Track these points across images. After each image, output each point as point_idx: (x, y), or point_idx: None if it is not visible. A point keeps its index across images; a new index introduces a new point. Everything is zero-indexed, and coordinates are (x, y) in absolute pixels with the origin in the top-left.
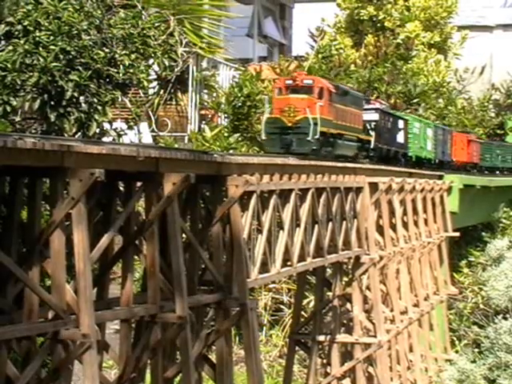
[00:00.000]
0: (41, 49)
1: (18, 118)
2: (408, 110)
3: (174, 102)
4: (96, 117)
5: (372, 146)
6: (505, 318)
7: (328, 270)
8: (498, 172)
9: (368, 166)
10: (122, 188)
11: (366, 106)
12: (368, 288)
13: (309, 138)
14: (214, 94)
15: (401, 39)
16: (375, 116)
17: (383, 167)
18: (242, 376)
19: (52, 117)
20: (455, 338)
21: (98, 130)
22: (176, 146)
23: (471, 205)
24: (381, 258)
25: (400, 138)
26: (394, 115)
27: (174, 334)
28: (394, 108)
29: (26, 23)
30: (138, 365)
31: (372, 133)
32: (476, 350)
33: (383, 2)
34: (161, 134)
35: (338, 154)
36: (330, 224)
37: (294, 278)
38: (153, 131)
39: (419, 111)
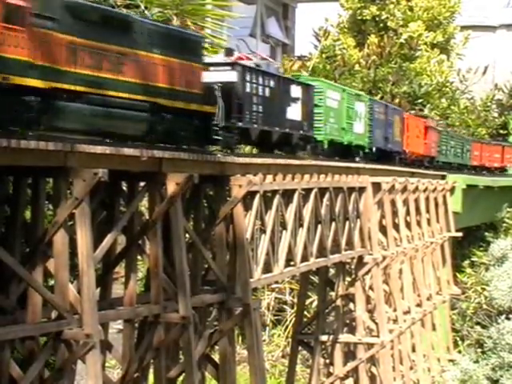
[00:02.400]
0: None
1: None
2: (413, 111)
3: None
4: None
5: (220, 124)
6: (508, 318)
7: (331, 270)
8: (449, 169)
9: (371, 166)
10: (125, 188)
11: (218, 60)
12: (371, 288)
13: None
14: None
15: (404, 39)
16: (230, 76)
17: (386, 167)
18: (244, 376)
19: None
20: (458, 338)
21: None
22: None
23: (474, 205)
24: (384, 258)
25: (294, 113)
26: (280, 77)
27: (177, 334)
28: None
29: None
30: (141, 365)
31: (220, 102)
32: (479, 350)
33: (386, 2)
34: None
35: (58, 126)
36: (333, 224)
37: (296, 278)
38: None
39: (425, 111)
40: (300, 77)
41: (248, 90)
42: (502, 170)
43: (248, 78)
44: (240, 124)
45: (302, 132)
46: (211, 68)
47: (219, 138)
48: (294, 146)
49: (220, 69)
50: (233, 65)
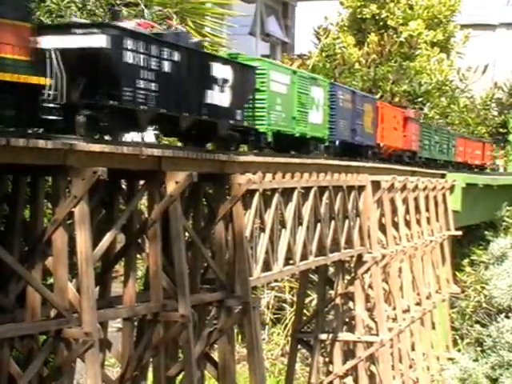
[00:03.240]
0: None
1: None
2: (412, 110)
3: None
4: None
5: (58, 100)
6: (507, 317)
7: (330, 268)
8: (434, 166)
9: (371, 165)
10: (124, 187)
11: (81, 21)
12: (370, 286)
13: None
14: None
15: (404, 38)
16: (97, 40)
17: (386, 166)
18: (244, 374)
19: None
20: (457, 337)
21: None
22: (179, 144)
23: (474, 203)
24: (383, 256)
25: (219, 97)
26: (192, 51)
27: (176, 332)
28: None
29: None
30: (141, 363)
31: (58, 71)
32: (478, 348)
33: (386, 0)
34: None
35: None
36: (333, 222)
37: (296, 276)
38: (156, 129)
39: (424, 110)
40: (238, 56)
41: (130, 60)
42: (482, 168)
43: (130, 45)
44: (113, 102)
45: (231, 121)
46: (76, 30)
47: (55, 118)
48: (224, 138)
49: (84, 31)
50: (102, 26)
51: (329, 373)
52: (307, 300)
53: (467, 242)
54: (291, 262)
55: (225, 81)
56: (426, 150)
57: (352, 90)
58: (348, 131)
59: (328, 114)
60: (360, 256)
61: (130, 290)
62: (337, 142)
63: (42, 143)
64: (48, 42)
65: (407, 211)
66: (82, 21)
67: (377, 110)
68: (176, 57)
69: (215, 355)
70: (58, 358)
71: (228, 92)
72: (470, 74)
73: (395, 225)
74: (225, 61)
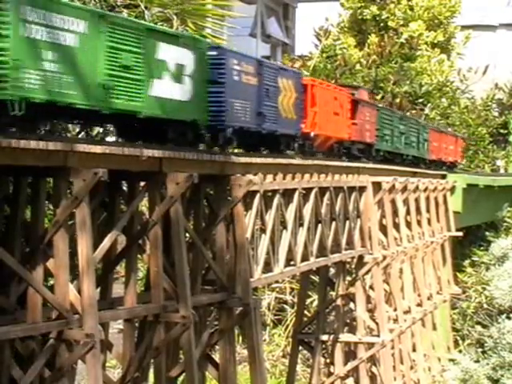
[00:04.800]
0: None
1: None
2: (414, 111)
3: None
4: None
5: None
6: (508, 318)
7: (331, 269)
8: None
9: (371, 166)
10: (125, 188)
11: None
12: (371, 287)
13: None
14: None
15: (404, 39)
16: None
17: (387, 167)
18: (245, 376)
19: None
20: (458, 338)
21: (101, 130)
22: None
23: (475, 204)
24: (384, 257)
25: None
26: None
27: (177, 333)
28: (400, 108)
29: None
30: (142, 364)
31: None
32: (479, 349)
33: (386, 1)
34: None
35: None
36: (334, 223)
37: (297, 277)
38: None
39: (425, 111)
40: None
41: None
42: (453, 166)
43: None
44: None
45: None
46: None
47: None
48: None
49: None
50: None
51: (330, 374)
52: (308, 301)
53: (468, 242)
54: (292, 263)
55: None
56: (387, 142)
57: (258, 60)
58: (250, 116)
59: (205, 87)
60: (361, 257)
61: (130, 291)
62: (229, 131)
63: (42, 144)
64: None
65: (408, 212)
66: None
67: (304, 89)
68: None
69: (216, 356)
70: (58, 360)
71: None
72: (471, 75)
73: (396, 226)
74: None
